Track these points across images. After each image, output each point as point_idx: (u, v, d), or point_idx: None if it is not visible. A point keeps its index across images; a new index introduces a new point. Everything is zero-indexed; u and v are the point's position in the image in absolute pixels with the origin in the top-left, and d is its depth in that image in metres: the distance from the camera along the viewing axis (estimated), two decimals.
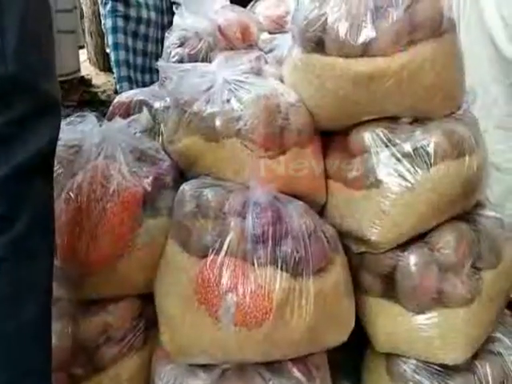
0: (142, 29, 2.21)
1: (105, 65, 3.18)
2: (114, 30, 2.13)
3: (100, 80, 3.29)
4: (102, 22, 2.34)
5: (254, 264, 0.85)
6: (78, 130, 0.99)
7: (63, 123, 1.01)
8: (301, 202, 0.96)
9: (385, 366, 1.06)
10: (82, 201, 0.91)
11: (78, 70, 2.92)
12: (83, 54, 3.59)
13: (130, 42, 2.18)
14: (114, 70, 2.19)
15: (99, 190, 0.91)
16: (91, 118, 1.01)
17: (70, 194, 0.91)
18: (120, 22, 2.13)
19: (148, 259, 0.98)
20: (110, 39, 2.17)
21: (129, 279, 0.98)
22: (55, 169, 0.94)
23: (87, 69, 3.44)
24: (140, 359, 1.01)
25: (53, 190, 0.78)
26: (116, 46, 2.15)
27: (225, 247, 0.85)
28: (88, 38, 3.46)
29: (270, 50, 1.24)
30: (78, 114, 1.01)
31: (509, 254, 1.08)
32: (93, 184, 0.92)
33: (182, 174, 1.07)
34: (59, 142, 1.00)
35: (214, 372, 0.90)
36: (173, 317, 0.88)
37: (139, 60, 2.20)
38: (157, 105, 1.17)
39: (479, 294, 1.00)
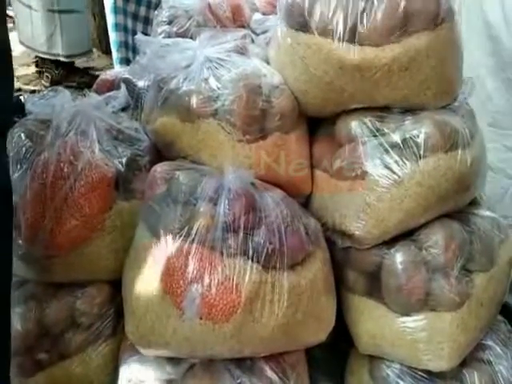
0: (143, 10, 2.16)
1: (107, 47, 3.14)
2: (114, 10, 2.09)
3: (102, 62, 3.25)
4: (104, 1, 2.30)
5: (222, 254, 0.80)
6: (50, 105, 0.94)
7: (36, 97, 0.98)
8: (279, 191, 0.91)
9: (368, 368, 1.02)
10: (48, 178, 0.87)
11: (88, 52, 2.88)
12: None
13: (129, 23, 2.14)
14: (113, 51, 2.15)
15: (67, 168, 0.87)
16: (65, 92, 0.96)
17: (36, 170, 0.87)
18: (120, 3, 2.09)
19: (119, 243, 0.94)
20: (109, 19, 2.13)
21: (98, 263, 0.94)
22: (24, 144, 0.91)
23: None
24: (109, 348, 0.97)
25: (6, 158, 0.72)
26: (115, 27, 2.11)
27: (192, 234, 0.80)
28: (91, 20, 3.42)
29: (263, 32, 1.18)
30: (52, 88, 0.96)
31: (503, 258, 1.03)
32: (60, 161, 0.87)
33: (162, 155, 1.02)
34: (30, 116, 0.97)
35: (180, 366, 0.86)
36: (138, 305, 0.83)
37: None
38: (141, 83, 1.13)
39: (469, 298, 0.95)
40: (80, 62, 3.17)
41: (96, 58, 3.32)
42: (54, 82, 2.79)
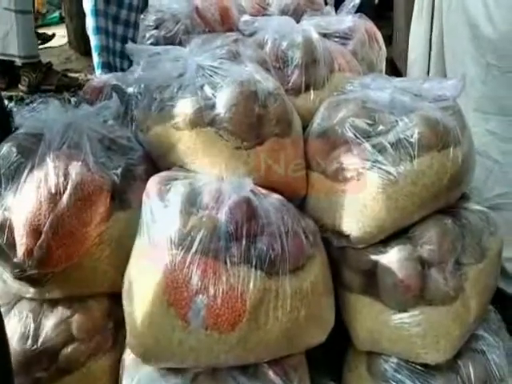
0: (124, 13, 2.13)
1: (86, 48, 3.07)
2: (94, 13, 2.05)
3: (80, 64, 3.19)
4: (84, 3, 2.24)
5: (226, 263, 0.80)
6: (41, 118, 0.92)
7: (25, 110, 0.96)
8: (278, 196, 0.91)
9: (365, 364, 1.03)
10: (42, 194, 0.85)
11: (36, 56, 2.78)
12: (64, 37, 3.49)
13: (110, 26, 2.10)
14: (94, 56, 2.12)
15: (62, 183, 0.85)
16: (55, 103, 0.94)
17: (30, 186, 0.85)
18: (100, 5, 2.05)
19: (117, 255, 0.92)
20: (89, 23, 2.09)
21: (96, 277, 0.93)
22: (15, 159, 0.89)
23: (67, 52, 3.35)
24: (109, 361, 0.96)
25: None
26: (96, 31, 2.07)
27: (195, 245, 0.79)
28: (67, 21, 3.35)
29: (251, 34, 1.18)
30: (42, 100, 0.94)
31: (493, 250, 1.05)
32: (54, 175, 0.85)
33: (156, 164, 1.01)
34: (20, 130, 0.95)
35: (185, 376, 0.85)
36: (140, 319, 0.82)
37: (118, 45, 2.13)
38: (130, 90, 1.11)
39: (463, 291, 0.97)
40: (58, 64, 3.11)
41: (74, 60, 3.25)
42: (32, 86, 2.72)
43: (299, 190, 1.02)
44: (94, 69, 2.20)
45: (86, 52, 3.04)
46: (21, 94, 2.72)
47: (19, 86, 2.78)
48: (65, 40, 3.47)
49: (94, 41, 2.05)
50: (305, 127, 1.07)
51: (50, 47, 3.44)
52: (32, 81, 2.75)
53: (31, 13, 2.70)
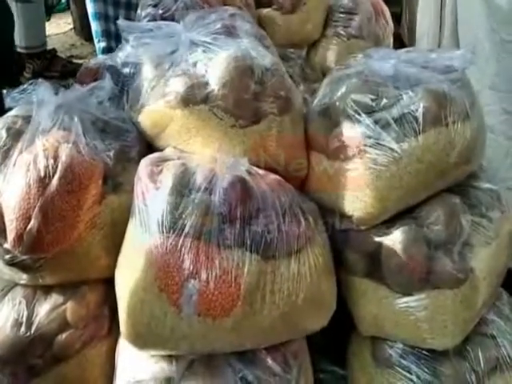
0: None
1: (91, 34, 3.05)
2: None
3: (85, 50, 3.17)
4: None
5: (219, 246, 0.77)
6: (31, 99, 0.90)
7: (16, 92, 0.94)
8: (276, 176, 0.88)
9: (370, 350, 1.01)
10: (31, 177, 0.82)
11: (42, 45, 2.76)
12: (69, 24, 3.47)
13: (110, 10, 2.06)
14: (95, 41, 2.09)
15: (51, 166, 0.82)
16: (46, 85, 0.92)
17: (19, 169, 0.83)
18: None
19: (110, 240, 0.90)
20: (88, 9, 2.06)
21: (89, 263, 0.90)
22: (4, 142, 0.87)
23: (72, 38, 3.33)
24: (104, 348, 0.94)
25: None
26: (95, 16, 2.04)
27: (187, 228, 0.76)
28: (72, 6, 3.32)
29: None
30: (32, 81, 0.92)
31: (503, 230, 1.01)
32: (44, 158, 0.83)
33: (151, 146, 0.98)
34: (10, 112, 0.93)
35: (179, 363, 0.83)
36: (132, 304, 0.80)
37: None
38: (125, 70, 1.08)
39: (472, 273, 0.93)
40: (63, 51, 3.09)
41: (79, 46, 3.24)
42: (36, 73, 2.71)
43: (299, 171, 0.99)
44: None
45: (91, 38, 3.01)
46: (24, 80, 2.71)
47: (23, 73, 2.77)
48: (70, 26, 3.45)
49: (93, 26, 2.04)
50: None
51: (56, 33, 3.43)
52: (36, 68, 2.73)
53: (33, 2, 2.66)
